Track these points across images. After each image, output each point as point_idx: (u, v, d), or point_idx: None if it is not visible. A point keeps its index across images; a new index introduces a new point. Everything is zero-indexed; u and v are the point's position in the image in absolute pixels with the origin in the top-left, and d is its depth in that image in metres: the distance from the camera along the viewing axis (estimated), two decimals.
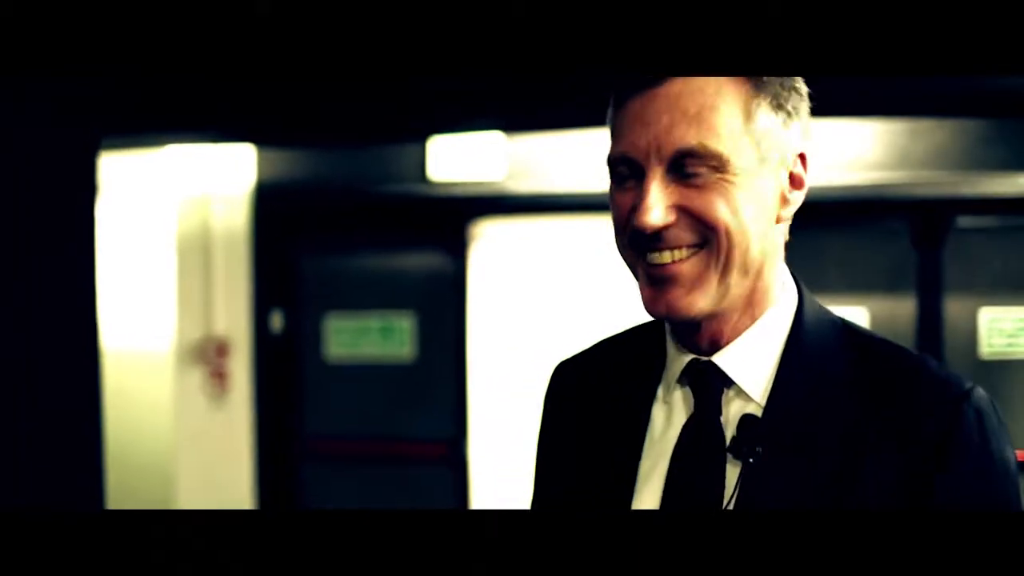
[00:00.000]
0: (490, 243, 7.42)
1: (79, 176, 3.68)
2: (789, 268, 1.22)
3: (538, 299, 7.66)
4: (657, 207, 1.09)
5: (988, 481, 1.13)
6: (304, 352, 4.67)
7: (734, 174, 1.09)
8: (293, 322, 4.68)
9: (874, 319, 3.87)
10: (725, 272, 1.12)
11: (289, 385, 4.68)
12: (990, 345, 3.79)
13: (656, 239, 1.10)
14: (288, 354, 4.68)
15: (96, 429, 3.77)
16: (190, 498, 4.67)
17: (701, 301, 1.12)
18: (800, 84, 1.14)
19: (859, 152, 3.83)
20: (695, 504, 1.25)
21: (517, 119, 3.78)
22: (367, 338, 4.55)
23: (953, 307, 3.81)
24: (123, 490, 4.27)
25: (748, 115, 1.10)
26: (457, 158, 4.27)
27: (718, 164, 1.09)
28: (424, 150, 4.28)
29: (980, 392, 1.13)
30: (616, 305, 7.05)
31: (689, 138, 1.08)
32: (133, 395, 4.68)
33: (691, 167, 1.09)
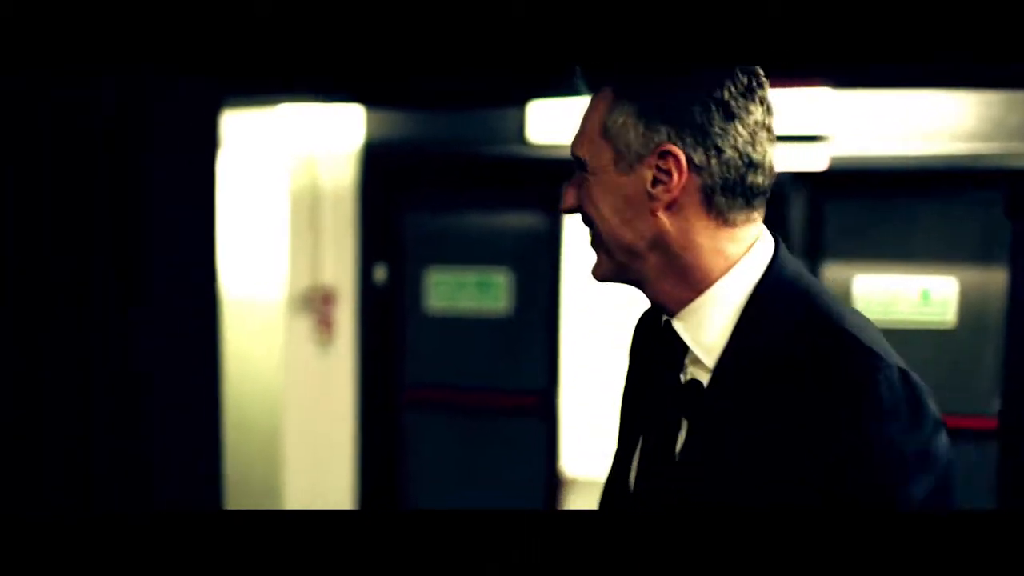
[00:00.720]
0: None
1: (202, 132, 3.86)
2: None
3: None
4: (565, 195, 1.36)
5: (899, 456, 1.19)
6: (405, 303, 4.80)
7: (593, 173, 1.31)
8: (396, 274, 4.78)
9: (964, 289, 3.89)
10: (608, 250, 1.34)
11: (390, 334, 4.81)
12: None
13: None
14: (390, 305, 4.80)
15: (214, 372, 3.96)
16: (294, 437, 4.81)
17: (599, 270, 1.38)
18: (685, 93, 1.27)
19: (954, 123, 3.84)
20: (655, 460, 1.38)
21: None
22: (465, 292, 4.67)
23: None
24: (237, 429, 4.48)
25: (604, 126, 1.30)
26: (553, 121, 4.33)
27: (583, 165, 1.33)
28: (523, 113, 4.35)
29: (898, 370, 1.21)
30: None
31: (572, 145, 1.35)
32: (247, 340, 4.86)
33: (576, 167, 1.35)
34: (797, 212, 4.02)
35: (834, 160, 3.89)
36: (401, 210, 4.82)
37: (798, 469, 1.21)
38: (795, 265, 1.34)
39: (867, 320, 1.32)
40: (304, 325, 4.81)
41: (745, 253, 1.30)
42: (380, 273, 4.80)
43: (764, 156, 1.28)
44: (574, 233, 4.63)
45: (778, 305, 1.29)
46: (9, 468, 3.25)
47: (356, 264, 4.79)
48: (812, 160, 3.92)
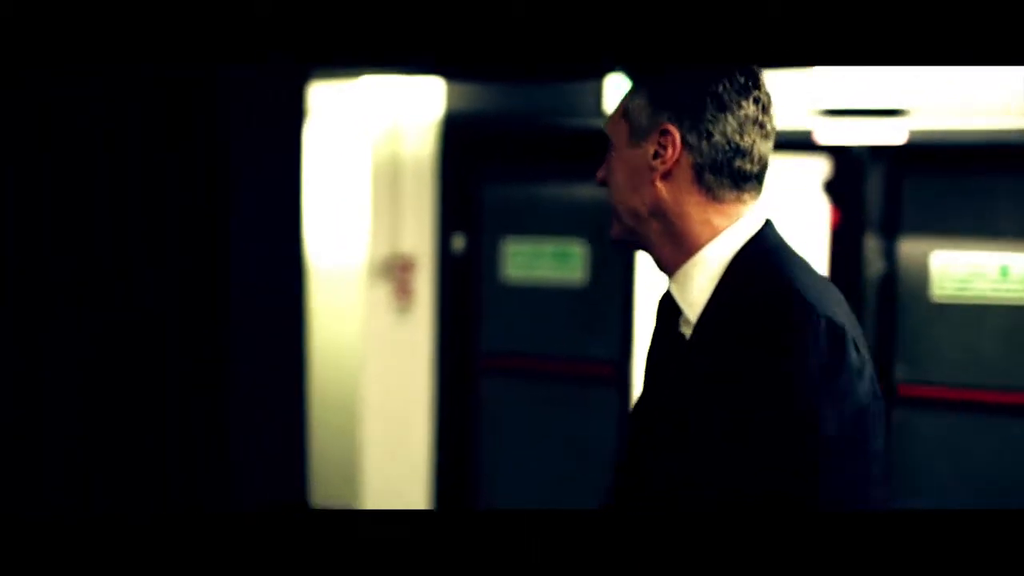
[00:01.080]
0: None
1: (288, 104, 3.95)
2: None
3: None
4: (599, 170, 1.61)
5: (812, 390, 1.35)
6: (483, 272, 4.85)
7: (614, 148, 1.57)
8: (474, 244, 4.84)
9: None
10: (620, 214, 1.58)
11: (468, 302, 4.87)
12: None
13: None
14: (468, 273, 4.86)
15: (299, 339, 4.07)
16: (373, 401, 4.93)
17: (614, 232, 1.62)
18: (685, 86, 1.50)
19: None
20: (647, 409, 1.61)
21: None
22: (542, 262, 4.71)
23: None
24: (317, 393, 4.60)
25: (624, 109, 1.55)
26: None
27: (609, 143, 1.58)
28: (601, 87, 4.35)
29: (826, 320, 1.37)
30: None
31: (605, 127, 1.59)
32: (328, 306, 4.99)
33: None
34: (875, 187, 4.00)
35: (913, 134, 3.86)
36: (480, 180, 4.87)
37: (739, 399, 1.39)
38: (777, 240, 1.53)
39: (823, 284, 1.51)
40: (384, 292, 4.89)
41: (730, 226, 1.50)
42: (458, 242, 4.85)
43: (752, 146, 1.49)
44: None
45: (751, 268, 1.48)
46: (108, 430, 3.38)
47: (435, 233, 4.84)
48: (891, 134, 3.90)
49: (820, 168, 4.09)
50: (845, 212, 3.99)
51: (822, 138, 4.00)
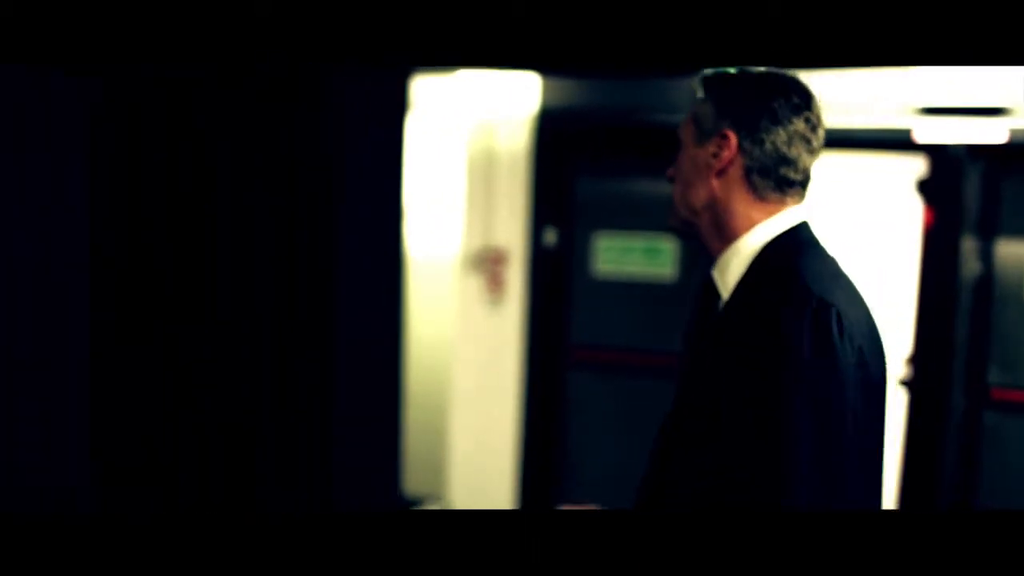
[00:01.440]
0: None
1: (392, 97, 4.01)
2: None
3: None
4: (670, 169, 1.82)
5: (794, 362, 1.54)
6: (574, 266, 4.88)
7: (683, 147, 1.78)
8: (565, 238, 4.86)
9: None
10: (676, 205, 1.79)
11: (558, 296, 4.90)
12: None
13: None
14: (559, 267, 4.89)
15: (396, 332, 4.11)
16: (462, 392, 4.98)
17: (671, 221, 1.82)
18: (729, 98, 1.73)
19: None
20: (683, 403, 1.78)
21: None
22: (632, 257, 4.73)
23: None
24: (410, 380, 4.68)
25: (695, 114, 1.76)
26: None
27: (679, 142, 1.79)
28: (693, 84, 4.31)
29: (819, 304, 1.56)
30: (859, 234, 6.91)
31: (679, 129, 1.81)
32: (422, 296, 5.06)
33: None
34: (972, 187, 3.94)
35: (1014, 134, 3.79)
36: (573, 175, 4.89)
37: (742, 368, 1.59)
38: (808, 236, 1.73)
39: (838, 278, 1.69)
40: (476, 285, 4.93)
41: (765, 220, 1.71)
42: (550, 236, 4.87)
43: (798, 157, 1.70)
44: None
45: (774, 256, 1.69)
46: (223, 427, 3.45)
47: (528, 227, 4.86)
48: (990, 134, 3.83)
49: (914, 168, 4.03)
50: (940, 212, 3.94)
51: (920, 137, 3.95)
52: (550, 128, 4.78)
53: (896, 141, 4.01)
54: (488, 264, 4.90)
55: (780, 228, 1.71)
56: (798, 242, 1.71)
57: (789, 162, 1.69)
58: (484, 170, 4.90)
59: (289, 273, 3.55)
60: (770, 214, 1.71)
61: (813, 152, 1.72)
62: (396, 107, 4.01)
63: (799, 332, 1.55)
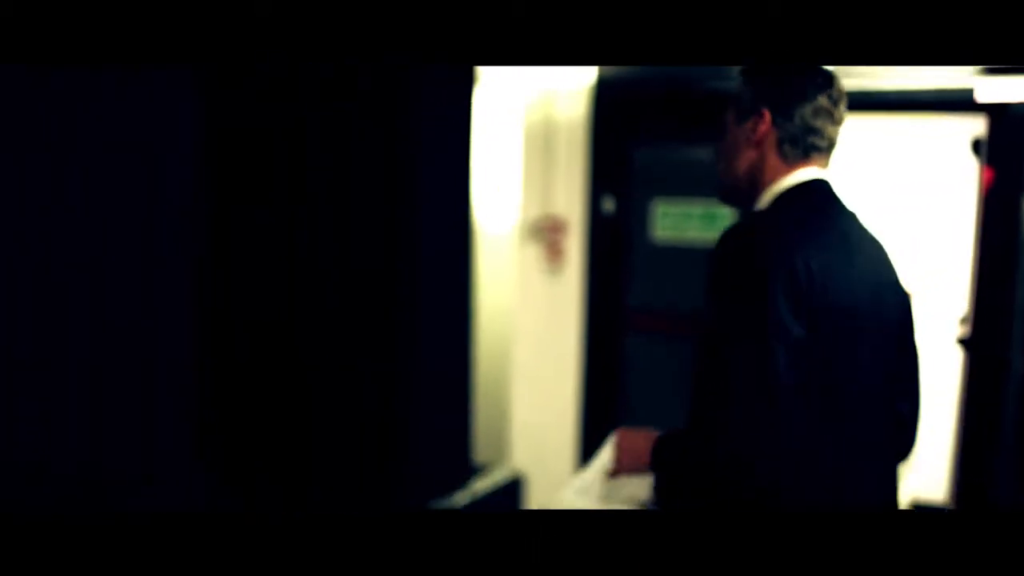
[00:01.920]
0: None
1: (463, 73, 4.05)
2: None
3: (850, 195, 7.53)
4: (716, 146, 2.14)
5: (728, 296, 1.83)
6: (632, 233, 4.92)
7: (728, 123, 2.08)
8: (623, 205, 4.89)
9: None
10: (721, 173, 2.13)
11: (617, 262, 4.94)
12: None
13: None
14: (617, 234, 4.93)
15: (465, 303, 4.17)
16: (523, 359, 5.01)
17: (719, 191, 2.18)
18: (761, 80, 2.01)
19: None
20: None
21: None
22: (690, 223, 4.76)
23: None
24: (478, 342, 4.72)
25: (735, 97, 2.06)
26: None
27: (724, 122, 2.09)
28: None
29: (748, 225, 1.90)
30: (926, 199, 6.86)
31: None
32: (483, 266, 5.11)
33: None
34: None
35: None
36: (630, 143, 4.91)
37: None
38: (818, 186, 1.97)
39: (825, 222, 1.92)
40: (535, 253, 4.97)
41: (786, 176, 1.98)
42: (608, 204, 4.90)
43: (823, 128, 1.96)
44: None
45: (775, 201, 1.97)
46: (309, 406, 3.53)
47: (586, 195, 4.89)
48: None
49: (971, 128, 4.01)
50: (1001, 172, 3.92)
51: (982, 96, 3.93)
52: (608, 96, 4.80)
53: (957, 101, 4.00)
54: (547, 233, 4.93)
55: (795, 181, 1.97)
56: (802, 191, 1.96)
57: (815, 132, 1.97)
58: (542, 139, 4.91)
59: (383, 254, 3.61)
60: (791, 174, 1.98)
61: (837, 123, 2.00)
62: (466, 82, 4.05)
63: (723, 253, 1.85)
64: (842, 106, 1.99)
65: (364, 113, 3.49)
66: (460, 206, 4.08)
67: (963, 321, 4.03)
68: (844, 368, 1.81)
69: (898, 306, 1.99)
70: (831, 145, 2.01)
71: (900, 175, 7.47)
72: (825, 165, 2.02)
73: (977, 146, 3.97)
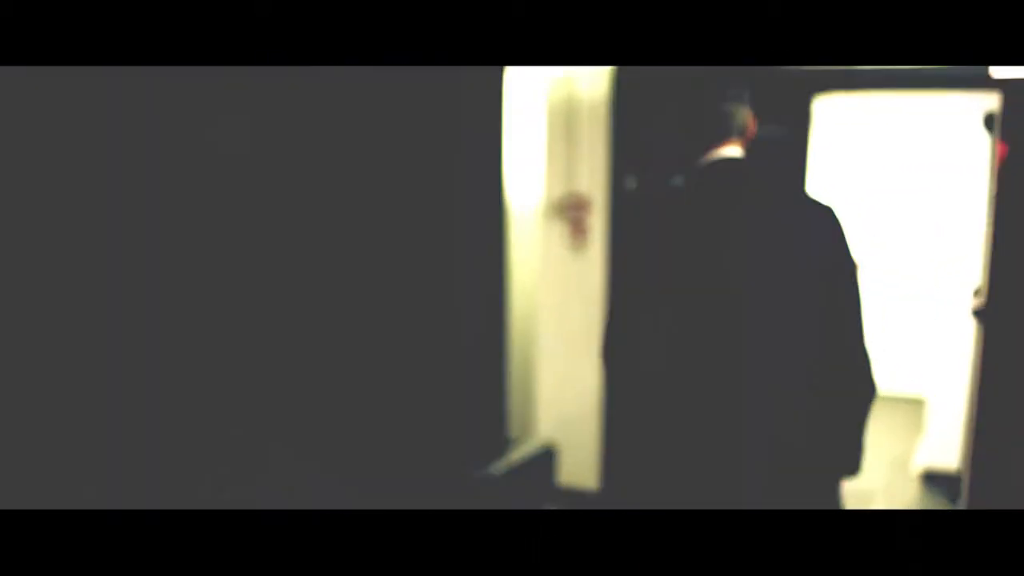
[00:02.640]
0: (832, 117, 7.43)
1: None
2: None
3: (875, 171, 7.60)
4: None
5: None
6: None
7: None
8: (645, 184, 4.88)
9: None
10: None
11: None
12: None
13: None
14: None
15: (501, 282, 4.24)
16: (549, 334, 5.09)
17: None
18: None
19: None
20: None
21: None
22: None
23: None
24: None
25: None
26: None
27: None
28: None
29: (663, 192, 2.08)
30: (943, 177, 6.88)
31: None
32: (510, 241, 5.17)
33: None
34: None
35: None
36: (652, 123, 4.89)
37: None
38: (730, 158, 2.28)
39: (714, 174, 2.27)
40: (559, 231, 5.03)
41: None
42: (631, 182, 4.91)
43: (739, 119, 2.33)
44: (820, 146, 4.56)
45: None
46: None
47: (609, 173, 4.92)
48: None
49: (983, 104, 4.07)
50: (1014, 146, 3.97)
51: (997, 73, 3.98)
52: (630, 75, 4.81)
53: (971, 78, 4.05)
54: (570, 211, 4.97)
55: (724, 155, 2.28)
56: (722, 159, 2.26)
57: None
58: (565, 118, 4.94)
59: (437, 236, 3.69)
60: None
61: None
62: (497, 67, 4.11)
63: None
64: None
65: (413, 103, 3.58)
66: (493, 186, 4.14)
67: (977, 293, 4.11)
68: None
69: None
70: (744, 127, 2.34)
71: (911, 153, 7.50)
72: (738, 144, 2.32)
73: (990, 121, 4.04)
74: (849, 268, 2.14)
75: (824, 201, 2.18)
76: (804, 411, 2.13)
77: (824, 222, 2.14)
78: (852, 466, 2.24)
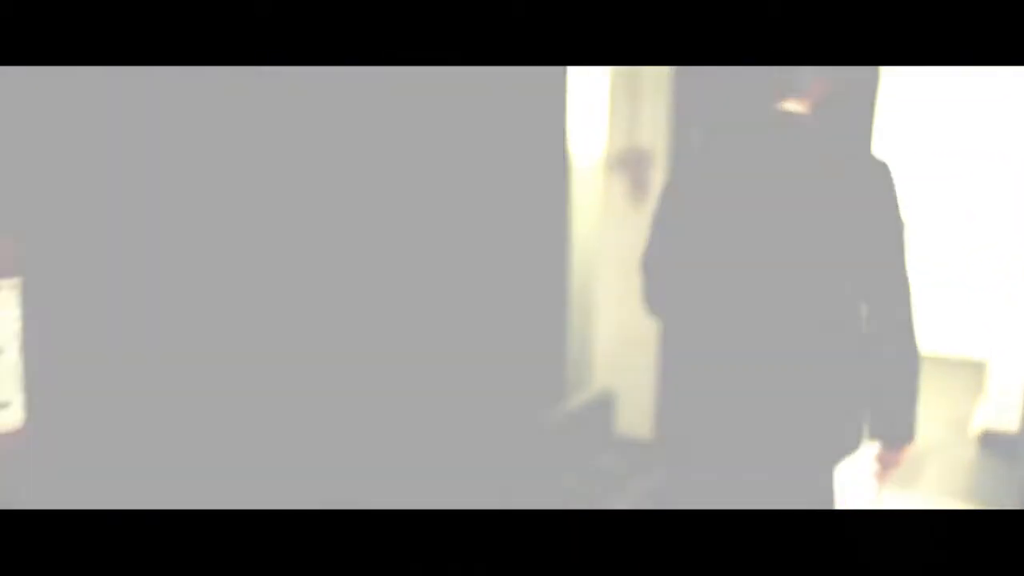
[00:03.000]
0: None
1: None
2: None
3: (906, 158, 7.45)
4: None
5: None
6: None
7: None
8: (707, 139, 4.89)
9: None
10: None
11: None
12: None
13: None
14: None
15: (563, 223, 4.26)
16: (608, 288, 5.09)
17: None
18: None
19: None
20: None
21: None
22: None
23: None
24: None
25: None
26: None
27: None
28: None
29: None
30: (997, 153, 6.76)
31: None
32: (572, 193, 5.17)
33: None
34: None
35: None
36: (716, 76, 4.85)
37: None
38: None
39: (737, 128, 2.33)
40: (620, 185, 4.99)
41: None
42: (694, 136, 4.84)
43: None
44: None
45: None
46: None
47: (671, 127, 4.88)
48: None
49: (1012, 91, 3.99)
50: None
51: None
52: None
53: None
54: (631, 165, 4.94)
55: None
56: (780, 112, 2.26)
57: None
58: (628, 73, 4.92)
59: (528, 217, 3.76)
60: None
61: None
62: None
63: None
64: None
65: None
66: (558, 138, 4.17)
67: None
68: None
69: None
70: None
71: (941, 140, 7.36)
72: None
73: None
74: (897, 228, 2.12)
75: (879, 159, 2.15)
76: (848, 365, 2.19)
77: (874, 182, 2.11)
78: (906, 433, 2.21)
